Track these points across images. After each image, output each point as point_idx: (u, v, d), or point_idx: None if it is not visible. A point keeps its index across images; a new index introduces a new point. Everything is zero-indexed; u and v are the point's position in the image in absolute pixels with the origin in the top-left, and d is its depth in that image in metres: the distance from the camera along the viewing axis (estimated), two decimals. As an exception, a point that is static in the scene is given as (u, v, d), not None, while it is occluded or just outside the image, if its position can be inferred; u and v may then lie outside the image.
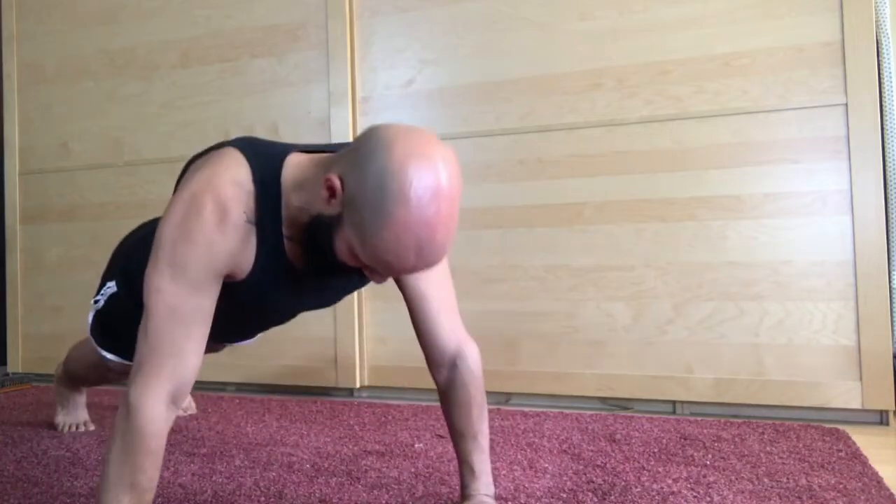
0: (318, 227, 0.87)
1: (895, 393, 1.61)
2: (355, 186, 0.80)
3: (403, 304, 2.02)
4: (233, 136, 2.22)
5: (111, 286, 1.32)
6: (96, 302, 1.34)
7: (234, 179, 0.90)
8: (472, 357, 1.08)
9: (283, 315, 1.18)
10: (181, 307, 0.87)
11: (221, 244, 0.88)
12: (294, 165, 0.94)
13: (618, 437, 1.53)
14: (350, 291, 1.15)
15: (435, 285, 1.07)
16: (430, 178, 0.78)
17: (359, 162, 0.81)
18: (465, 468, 1.08)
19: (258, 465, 1.38)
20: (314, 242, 0.89)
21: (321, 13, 2.12)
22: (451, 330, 1.08)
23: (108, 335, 1.36)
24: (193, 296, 0.88)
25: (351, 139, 2.07)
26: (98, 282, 2.38)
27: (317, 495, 1.19)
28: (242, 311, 1.06)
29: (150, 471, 0.85)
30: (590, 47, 1.86)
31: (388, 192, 0.77)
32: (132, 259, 1.28)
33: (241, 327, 1.21)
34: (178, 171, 2.28)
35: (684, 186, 1.78)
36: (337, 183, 0.82)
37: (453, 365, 1.08)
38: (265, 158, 0.94)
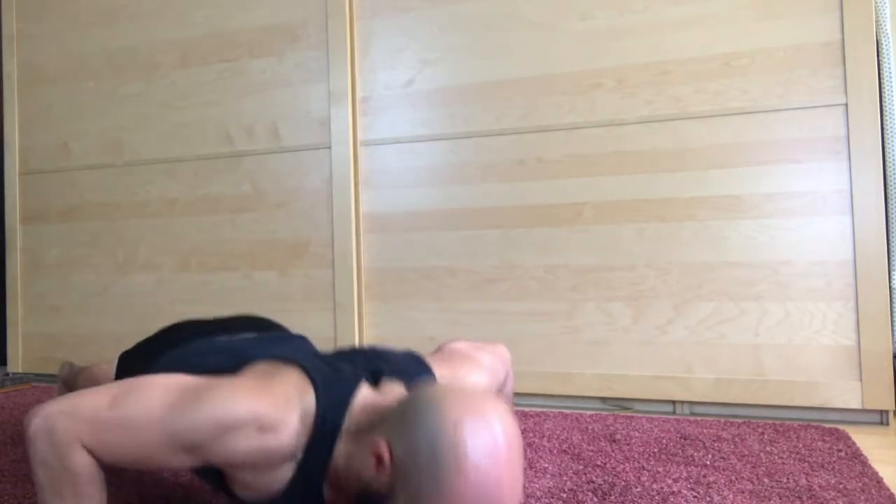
0: (367, 499, 0.80)
1: (895, 393, 1.61)
2: (405, 455, 0.73)
3: (403, 303, 2.02)
4: (233, 136, 2.22)
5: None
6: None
7: (303, 410, 0.83)
8: (507, 388, 1.17)
9: None
10: (148, 446, 0.80)
11: (240, 450, 0.80)
12: (360, 409, 0.86)
13: (618, 437, 1.53)
14: None
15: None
16: (487, 442, 0.71)
17: (406, 426, 0.75)
18: None
19: (258, 465, 1.38)
20: None
21: (321, 13, 2.12)
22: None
23: None
24: (166, 452, 0.80)
25: (351, 139, 2.07)
26: (98, 282, 2.39)
27: (317, 495, 1.19)
28: None
29: (101, 495, 0.81)
30: (590, 47, 1.86)
31: (443, 460, 0.70)
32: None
33: None
34: (178, 172, 2.28)
35: (684, 186, 1.78)
36: (385, 452, 0.75)
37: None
38: (334, 399, 0.86)
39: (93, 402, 0.80)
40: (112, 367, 1.52)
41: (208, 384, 0.82)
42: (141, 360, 1.17)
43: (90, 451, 0.80)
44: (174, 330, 1.21)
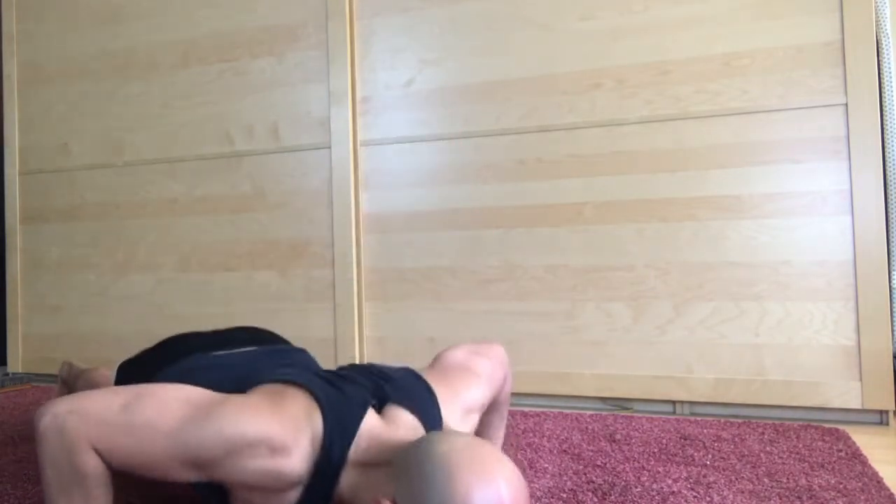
0: None
1: (895, 393, 1.61)
2: None
3: (403, 304, 2.02)
4: (233, 136, 2.22)
5: None
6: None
7: (313, 434, 0.82)
8: (504, 391, 1.15)
9: None
10: (156, 456, 0.79)
11: (249, 470, 0.79)
12: (366, 438, 0.85)
13: (618, 437, 1.53)
14: None
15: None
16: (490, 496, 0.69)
17: (414, 486, 0.72)
18: None
19: (258, 465, 1.38)
20: None
21: (321, 13, 2.12)
22: None
23: None
24: (174, 465, 0.79)
25: (351, 139, 2.07)
26: (98, 283, 2.39)
27: (317, 495, 1.19)
28: None
29: (108, 497, 0.81)
30: (590, 47, 1.86)
31: None
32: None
33: None
34: (178, 172, 2.28)
35: (684, 186, 1.78)
36: None
37: None
38: (342, 420, 0.85)
39: (103, 405, 0.79)
40: (112, 374, 1.51)
41: (221, 400, 0.81)
42: (141, 371, 1.16)
43: (98, 453, 0.79)
44: (174, 342, 1.20)
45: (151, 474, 0.81)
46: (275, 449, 0.79)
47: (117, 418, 0.79)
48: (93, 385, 1.51)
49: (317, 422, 0.84)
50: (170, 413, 0.80)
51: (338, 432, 0.84)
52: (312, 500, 0.84)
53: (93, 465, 0.78)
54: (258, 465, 0.79)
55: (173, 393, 0.82)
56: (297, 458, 0.80)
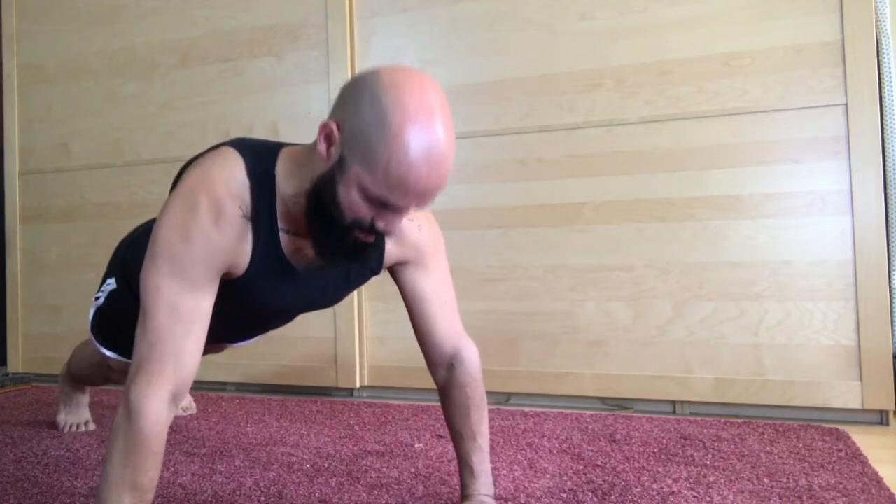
0: (320, 190, 0.85)
1: (895, 393, 1.61)
2: (351, 120, 0.81)
3: (403, 304, 2.01)
4: (233, 136, 2.22)
5: (111, 283, 1.32)
6: (97, 299, 1.35)
7: (229, 175, 0.89)
8: (469, 359, 1.08)
9: (281, 315, 1.15)
10: (181, 306, 0.86)
11: (219, 241, 0.88)
12: (286, 157, 0.93)
13: (618, 437, 1.53)
14: (351, 288, 1.12)
15: (434, 285, 1.07)
16: (420, 89, 0.81)
17: (349, 101, 0.83)
18: (464, 469, 1.09)
19: (258, 465, 1.38)
20: (319, 214, 0.87)
21: (321, 13, 2.12)
22: (449, 331, 1.08)
23: (109, 332, 1.36)
24: (193, 294, 0.87)
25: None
26: (98, 282, 2.39)
27: (317, 495, 1.19)
28: (240, 309, 1.05)
29: (152, 471, 0.84)
30: (590, 47, 1.86)
31: (385, 107, 0.79)
32: (130, 255, 1.28)
33: (239, 327, 1.19)
34: (178, 171, 2.28)
35: (684, 186, 1.78)
36: (333, 126, 0.83)
37: (451, 366, 1.09)
38: (259, 154, 0.93)
39: (137, 350, 0.86)
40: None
41: (154, 235, 0.89)
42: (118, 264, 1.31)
43: (177, 380, 0.85)
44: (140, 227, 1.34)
45: (206, 317, 0.89)
46: (209, 210, 0.87)
47: (154, 336, 0.85)
48: (87, 350, 1.55)
49: (234, 160, 0.91)
50: (158, 282, 0.87)
51: (257, 158, 0.92)
52: (263, 222, 0.91)
53: (166, 416, 0.84)
54: (220, 229, 0.88)
55: (143, 275, 0.88)
56: (228, 203, 0.88)
